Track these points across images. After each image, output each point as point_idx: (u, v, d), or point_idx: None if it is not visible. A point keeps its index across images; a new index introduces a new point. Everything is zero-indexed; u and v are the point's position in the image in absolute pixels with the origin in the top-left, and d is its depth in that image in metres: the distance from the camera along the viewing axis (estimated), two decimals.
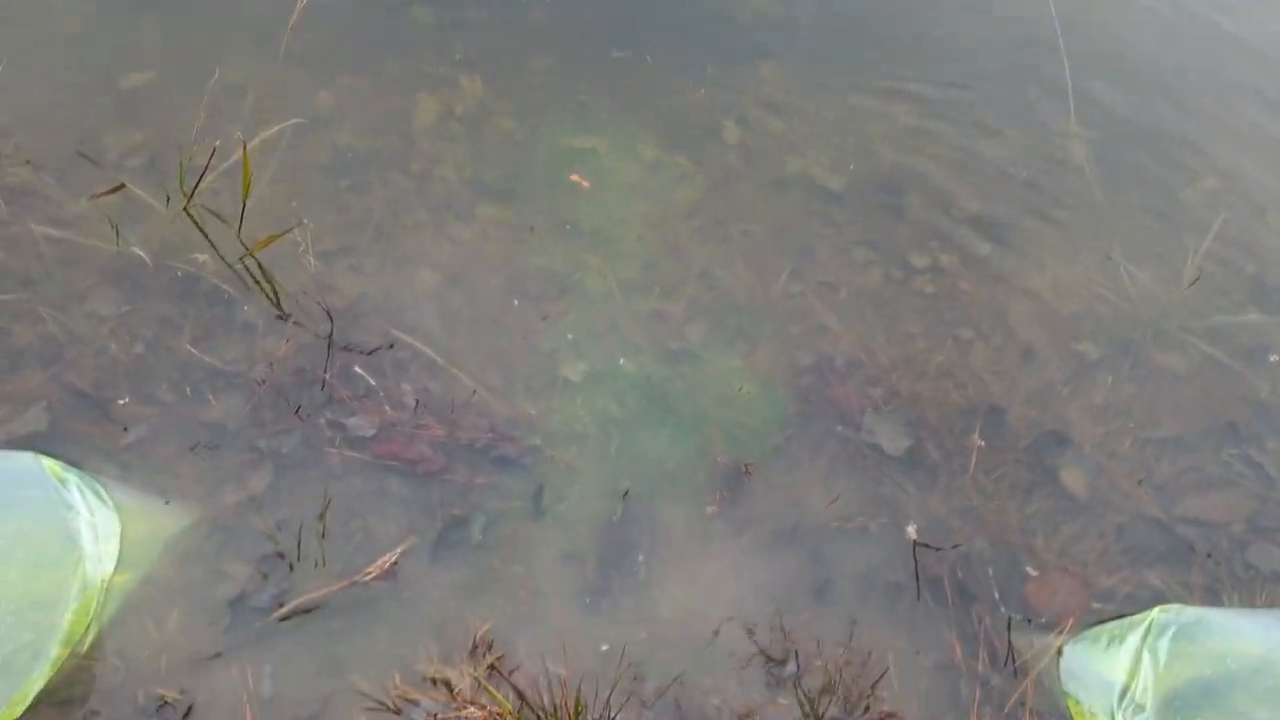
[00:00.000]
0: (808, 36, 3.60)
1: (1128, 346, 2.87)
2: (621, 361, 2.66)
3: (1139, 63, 3.76)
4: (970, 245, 3.05)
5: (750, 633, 2.26)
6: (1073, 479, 2.57)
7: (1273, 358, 2.92)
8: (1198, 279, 2.98)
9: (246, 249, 2.56)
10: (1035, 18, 3.61)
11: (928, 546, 2.41)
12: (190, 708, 1.97)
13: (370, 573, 2.18)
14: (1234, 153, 3.49)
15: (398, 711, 2.03)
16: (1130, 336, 2.89)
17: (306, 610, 2.13)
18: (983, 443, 2.61)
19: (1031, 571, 2.40)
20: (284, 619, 2.11)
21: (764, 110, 3.33)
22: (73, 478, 2.04)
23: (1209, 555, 2.47)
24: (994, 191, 3.21)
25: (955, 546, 2.42)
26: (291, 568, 2.17)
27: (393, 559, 2.21)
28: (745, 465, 2.50)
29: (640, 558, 2.32)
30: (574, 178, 3.04)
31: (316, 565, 2.18)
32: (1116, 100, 3.59)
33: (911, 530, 2.43)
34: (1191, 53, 3.84)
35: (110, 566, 2.03)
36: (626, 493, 2.42)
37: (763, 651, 2.23)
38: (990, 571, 2.40)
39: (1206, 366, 2.86)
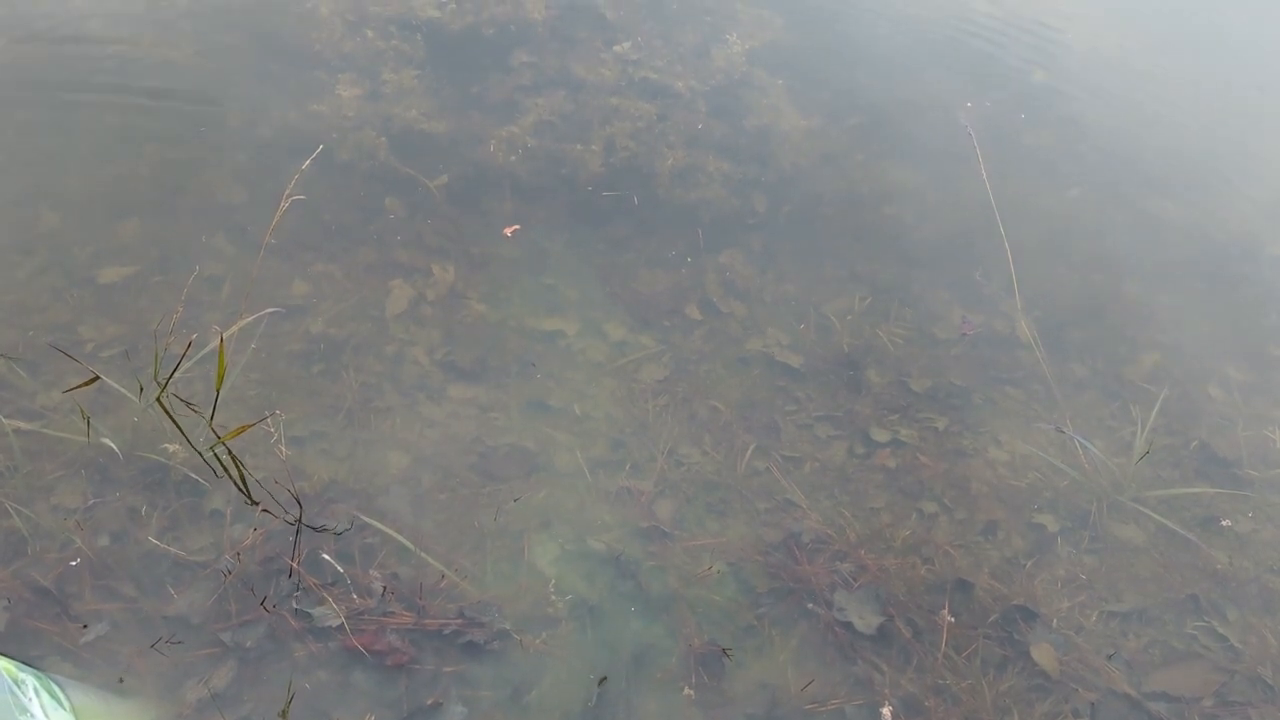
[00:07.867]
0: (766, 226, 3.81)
1: (1085, 518, 2.94)
2: (592, 542, 2.67)
3: (1076, 244, 4.00)
4: (928, 419, 3.15)
5: None
6: (1043, 655, 2.57)
7: (1225, 522, 3.00)
8: (1148, 453, 3.09)
9: (218, 438, 2.58)
10: (976, 205, 3.84)
11: None
12: None
13: None
14: (1172, 328, 3.68)
15: None
16: (1087, 508, 2.96)
17: None
18: (952, 618, 2.62)
19: None
20: None
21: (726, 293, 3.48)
22: (30, 678, 1.99)
23: None
24: (947, 367, 3.34)
25: None
26: None
27: None
28: (724, 649, 2.49)
29: None
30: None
31: None
32: (1057, 279, 3.79)
33: (887, 713, 2.41)
34: (1127, 233, 4.10)
35: None
36: (603, 680, 2.39)
37: None
38: None
39: (1162, 538, 2.92)
